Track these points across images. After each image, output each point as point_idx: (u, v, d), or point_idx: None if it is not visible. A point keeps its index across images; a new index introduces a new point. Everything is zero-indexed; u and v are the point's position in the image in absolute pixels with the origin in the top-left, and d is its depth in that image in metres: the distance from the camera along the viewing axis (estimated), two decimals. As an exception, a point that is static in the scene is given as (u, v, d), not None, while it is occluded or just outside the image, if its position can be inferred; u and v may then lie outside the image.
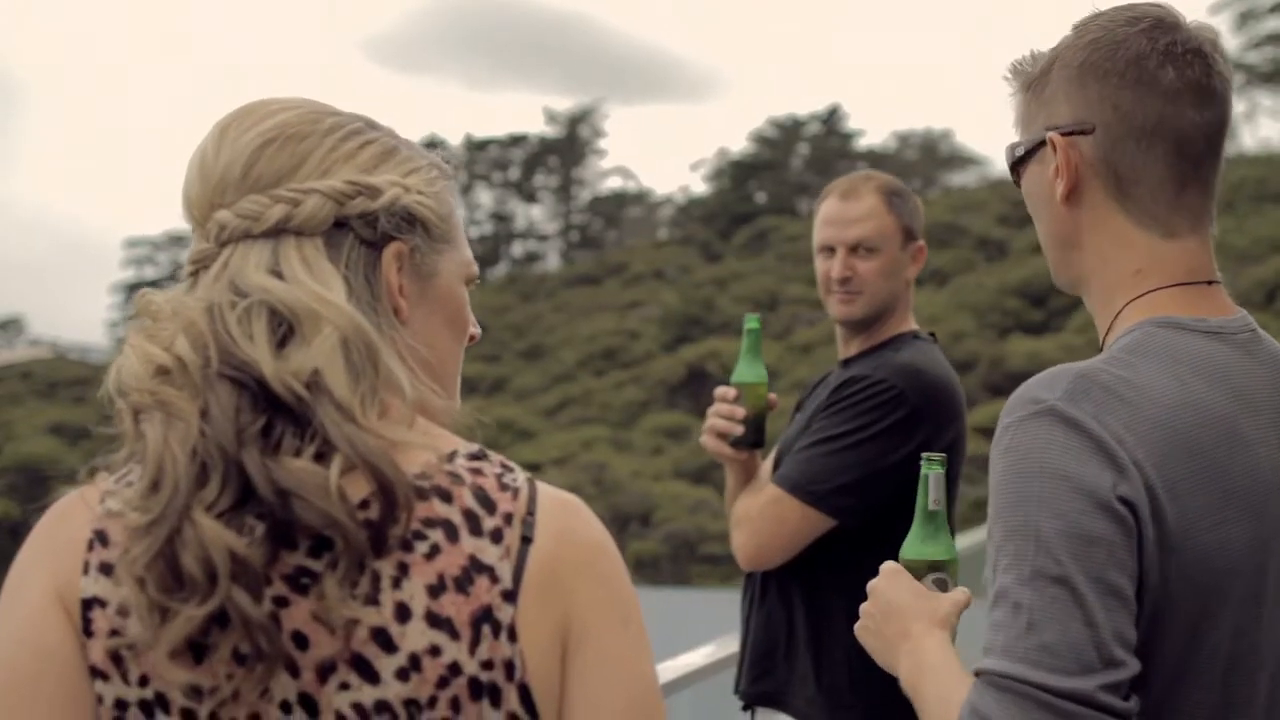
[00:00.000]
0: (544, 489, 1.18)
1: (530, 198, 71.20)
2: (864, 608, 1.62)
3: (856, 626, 1.62)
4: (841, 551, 2.80)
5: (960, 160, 61.40)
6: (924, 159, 61.57)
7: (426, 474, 1.13)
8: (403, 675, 1.10)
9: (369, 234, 1.20)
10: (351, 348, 1.14)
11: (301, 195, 1.18)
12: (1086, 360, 1.47)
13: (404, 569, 1.11)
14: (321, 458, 1.10)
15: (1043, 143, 1.53)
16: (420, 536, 1.12)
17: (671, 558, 35.62)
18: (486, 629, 1.11)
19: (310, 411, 1.11)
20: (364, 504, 1.10)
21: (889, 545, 1.75)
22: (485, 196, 71.13)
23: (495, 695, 1.12)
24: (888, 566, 1.64)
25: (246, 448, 1.09)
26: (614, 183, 70.92)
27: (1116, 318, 1.52)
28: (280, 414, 1.11)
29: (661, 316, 48.47)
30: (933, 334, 3.00)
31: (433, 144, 1.36)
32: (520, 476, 1.18)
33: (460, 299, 1.29)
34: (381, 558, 1.10)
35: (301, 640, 1.10)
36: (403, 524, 1.10)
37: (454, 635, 1.11)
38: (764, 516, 2.81)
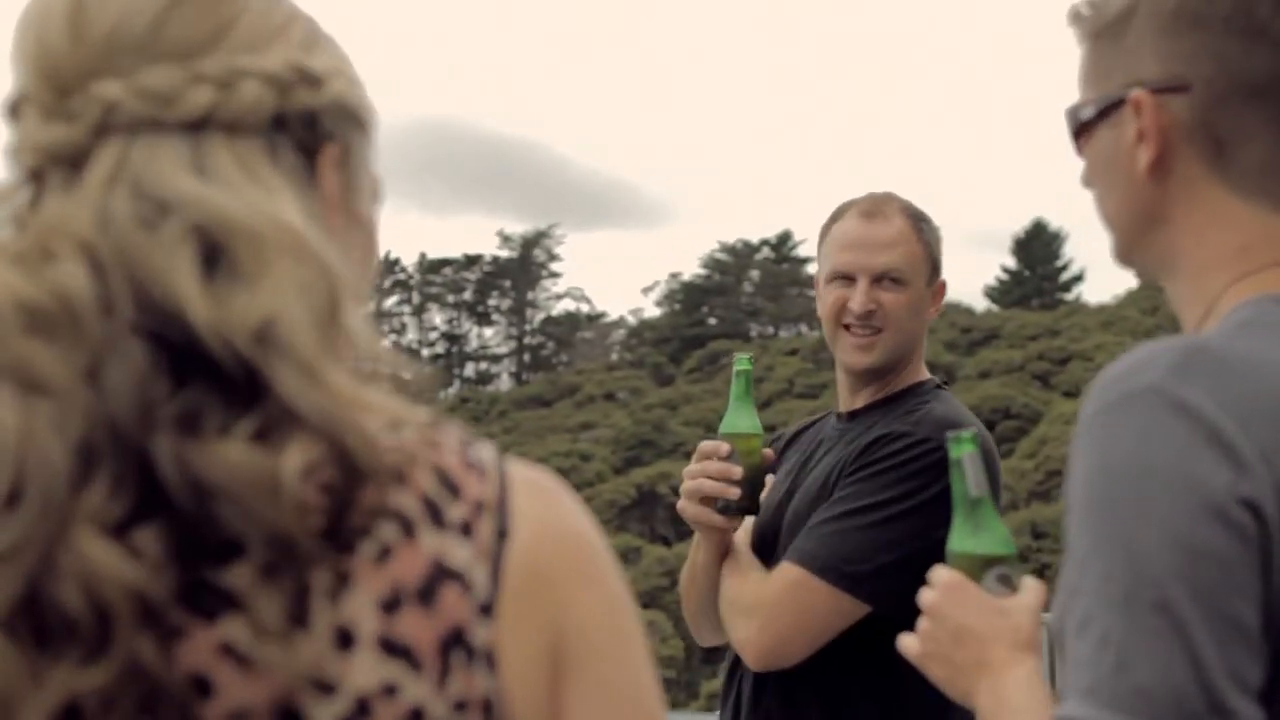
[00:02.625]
0: (514, 466, 0.89)
1: (483, 319, 71.34)
2: (925, 630, 1.42)
3: (917, 653, 1.42)
4: (869, 642, 2.18)
5: (909, 287, 62.01)
6: (874, 285, 62.15)
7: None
8: None
9: (306, 137, 0.89)
10: (313, 289, 0.82)
11: (233, 75, 0.85)
12: (1186, 335, 1.19)
13: (343, 579, 0.79)
14: (263, 438, 0.78)
15: (1119, 102, 1.28)
16: (365, 533, 0.80)
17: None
18: (457, 656, 0.82)
19: (259, 376, 0.78)
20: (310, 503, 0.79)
21: None
22: (438, 317, 71.27)
23: None
24: (943, 577, 1.41)
25: (157, 431, 0.77)
26: (567, 305, 71.27)
27: (1217, 301, 1.25)
28: (204, 379, 0.79)
29: (613, 438, 48.39)
30: (946, 382, 2.54)
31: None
32: (485, 451, 0.88)
33: (376, 221, 0.99)
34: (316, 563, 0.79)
35: (203, 686, 0.77)
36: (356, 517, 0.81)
37: (415, 667, 0.80)
38: (783, 604, 2.23)
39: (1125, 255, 1.35)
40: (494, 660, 0.83)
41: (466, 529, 0.84)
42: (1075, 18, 1.34)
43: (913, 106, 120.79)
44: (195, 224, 0.81)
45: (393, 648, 0.80)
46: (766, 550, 2.40)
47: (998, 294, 59.31)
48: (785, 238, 65.09)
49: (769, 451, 2.34)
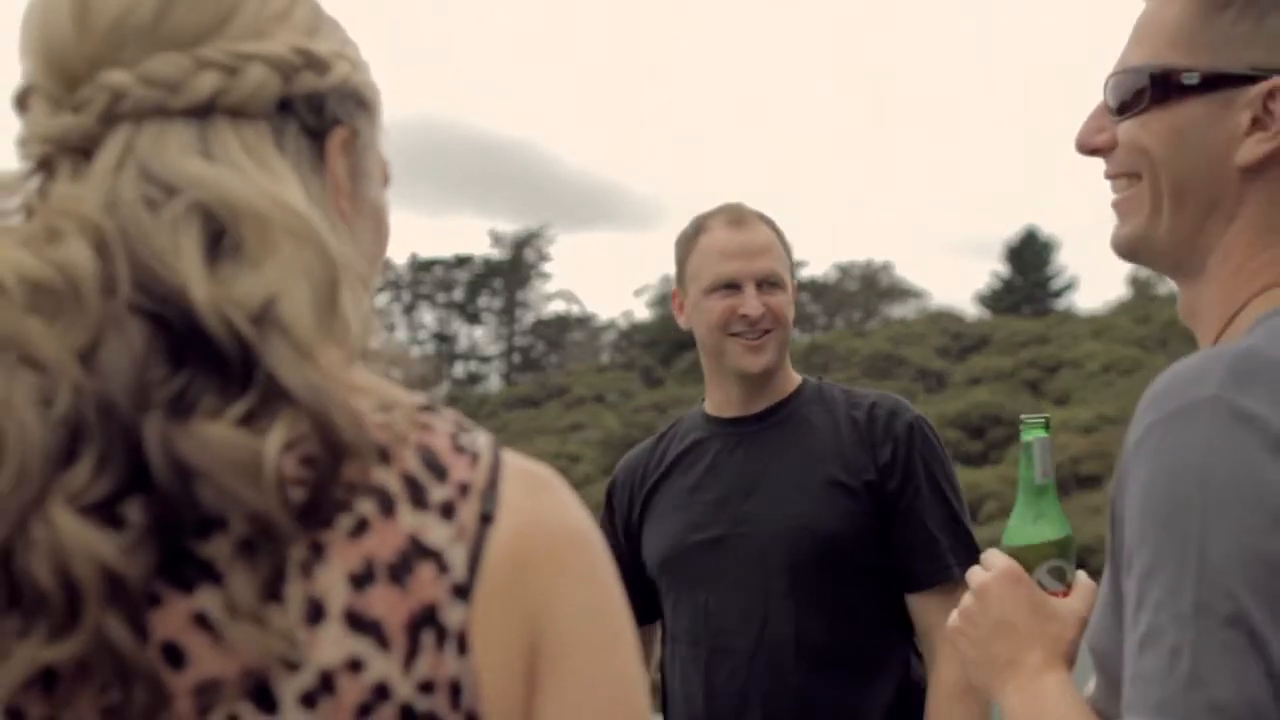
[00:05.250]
0: (510, 456, 0.89)
1: (474, 319, 71.29)
2: (967, 609, 1.37)
3: (950, 627, 1.38)
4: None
5: (900, 292, 62.14)
6: (864, 290, 62.25)
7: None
8: (308, 701, 0.80)
9: (313, 121, 0.90)
10: (315, 270, 0.83)
11: (240, 61, 0.87)
12: (1234, 343, 1.16)
13: (318, 551, 0.80)
14: (252, 420, 0.79)
15: (1242, 80, 1.20)
16: (344, 508, 0.81)
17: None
18: (427, 636, 0.82)
19: (255, 355, 0.79)
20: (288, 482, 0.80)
21: None
22: (428, 316, 71.20)
23: None
24: (1002, 564, 1.37)
25: (151, 411, 0.78)
26: (558, 306, 71.17)
27: (1242, 309, 1.22)
28: (204, 360, 0.80)
29: (602, 440, 48.35)
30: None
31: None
32: (481, 439, 0.89)
33: (386, 205, 1.00)
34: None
35: (175, 654, 0.79)
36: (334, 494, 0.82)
37: (383, 643, 0.81)
38: None
39: (1154, 242, 1.27)
40: (466, 643, 0.82)
41: (448, 510, 0.84)
42: None
43: (906, 111, 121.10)
44: (201, 205, 0.82)
45: (360, 622, 0.80)
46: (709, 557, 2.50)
47: (989, 300, 59.43)
48: (777, 242, 65.13)
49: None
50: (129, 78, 0.85)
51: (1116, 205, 1.30)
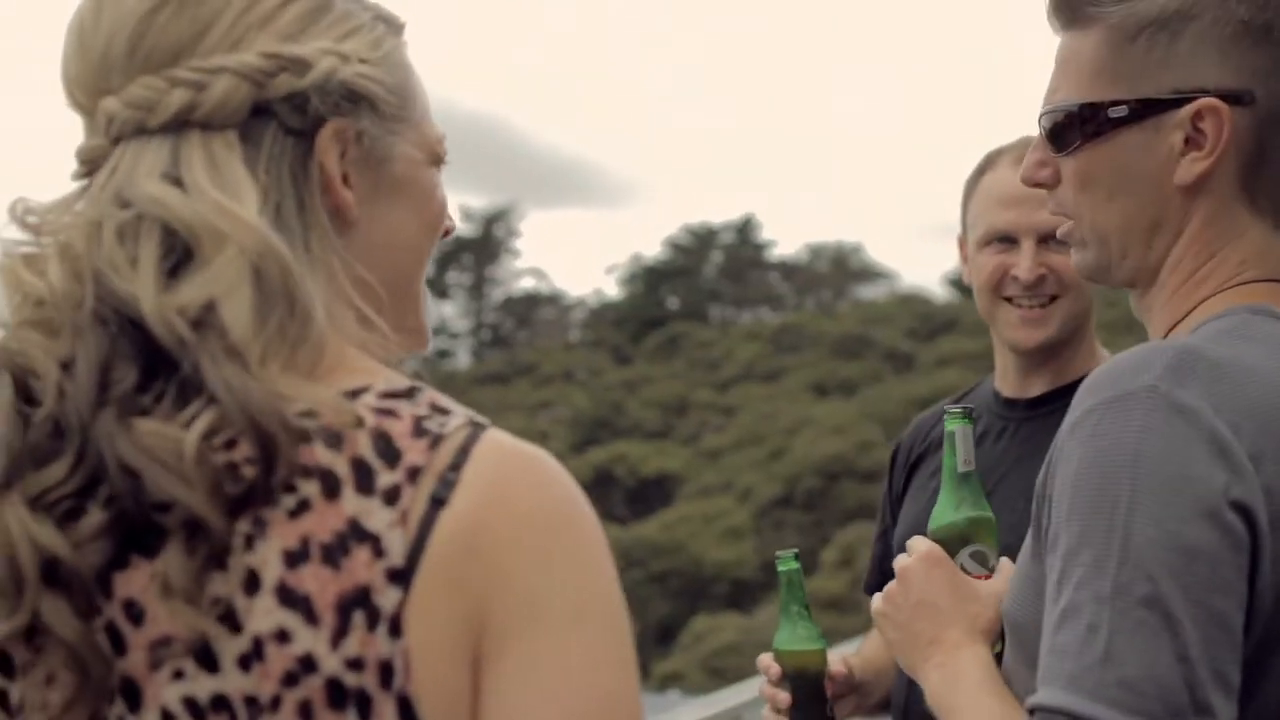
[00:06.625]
0: (493, 439, 0.90)
1: (442, 295, 71.13)
2: (891, 591, 1.41)
3: (876, 609, 1.42)
4: None
5: (870, 274, 62.25)
6: (835, 271, 62.36)
7: (314, 411, 0.88)
8: (244, 663, 0.86)
9: (296, 121, 0.95)
10: (263, 275, 0.89)
11: (207, 76, 0.93)
12: (1178, 338, 1.20)
13: (260, 525, 0.86)
14: (188, 419, 0.87)
15: (1170, 105, 1.22)
16: (288, 488, 0.87)
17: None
18: (358, 616, 0.85)
19: (192, 356, 0.87)
20: (233, 468, 0.87)
21: None
22: (398, 292, 70.81)
23: (364, 705, 0.85)
24: (923, 547, 1.42)
25: (103, 411, 0.87)
26: (527, 284, 71.09)
27: (1195, 308, 1.25)
28: (166, 366, 0.88)
29: (571, 418, 48.37)
30: None
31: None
32: (455, 421, 0.90)
33: (429, 184, 1.04)
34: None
35: (135, 611, 0.88)
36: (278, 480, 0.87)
37: (311, 619, 0.85)
38: None
39: (1111, 270, 1.29)
40: (400, 627, 0.85)
41: (392, 495, 0.86)
42: (1075, 10, 1.27)
43: (880, 91, 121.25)
44: (158, 222, 0.91)
45: (290, 597, 0.85)
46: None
47: (958, 283, 59.52)
48: (747, 221, 65.25)
49: (836, 664, 1.92)
50: (117, 103, 0.94)
51: (1066, 236, 1.33)
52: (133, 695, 0.87)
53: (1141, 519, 1.06)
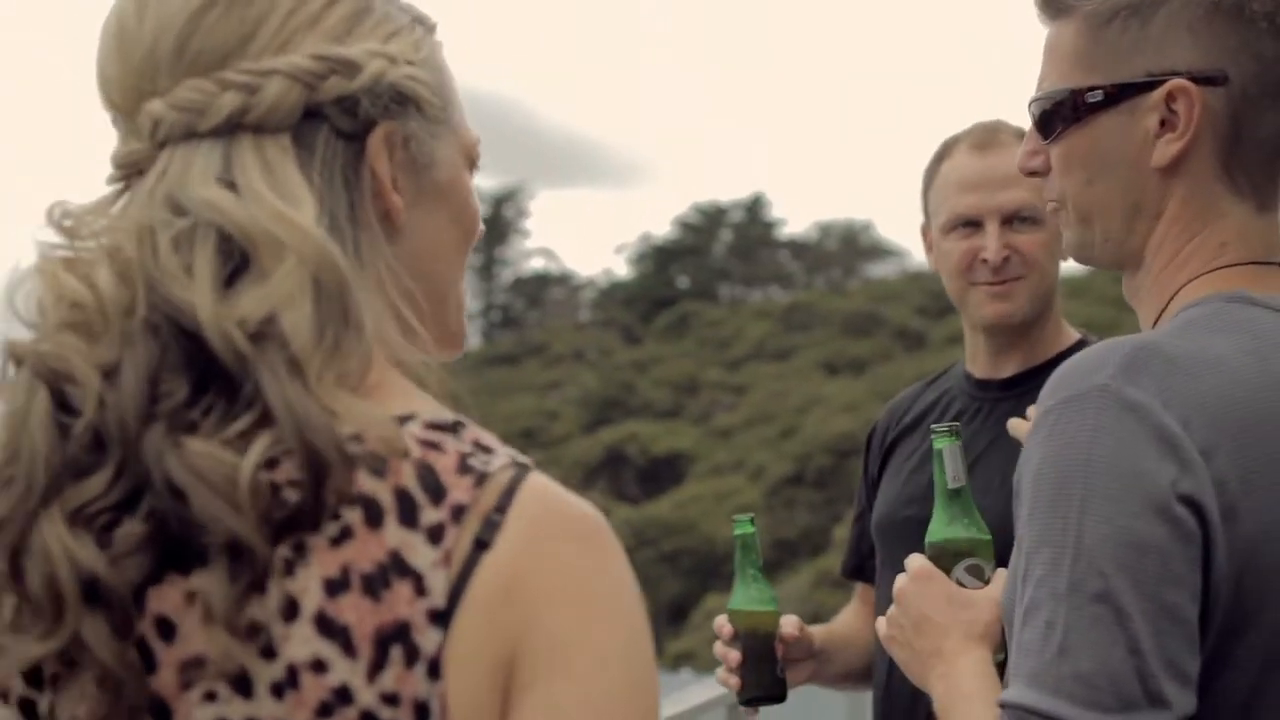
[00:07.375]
0: (537, 484, 0.88)
1: (453, 276, 71.04)
2: (892, 614, 1.45)
3: (883, 635, 1.46)
4: None
5: (880, 251, 62.16)
6: (844, 249, 62.29)
7: (359, 436, 0.85)
8: (277, 691, 0.84)
9: (347, 124, 0.93)
10: (322, 287, 0.87)
11: (259, 78, 0.91)
12: (1144, 332, 1.24)
13: (300, 551, 0.84)
14: (243, 437, 0.84)
15: (1143, 88, 1.24)
16: (333, 515, 0.85)
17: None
18: (396, 651, 0.84)
19: (251, 370, 0.84)
20: (277, 491, 0.84)
21: None
22: (408, 273, 70.88)
23: None
24: (916, 565, 1.46)
25: (153, 425, 0.84)
26: (537, 264, 71.02)
27: (1178, 293, 1.27)
28: (218, 379, 0.85)
29: (581, 398, 48.42)
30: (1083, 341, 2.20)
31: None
32: (499, 461, 0.88)
33: (466, 188, 1.02)
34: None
35: (167, 628, 0.85)
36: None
37: (349, 650, 0.84)
38: None
39: (1094, 250, 1.32)
40: (439, 669, 0.84)
41: (437, 533, 0.85)
42: (1057, 1, 1.29)
43: (891, 70, 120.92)
44: (215, 229, 0.87)
45: (329, 626, 0.84)
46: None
47: (968, 260, 59.35)
48: (757, 199, 65.18)
49: (788, 627, 2.01)
50: (163, 106, 0.91)
51: (1056, 219, 1.37)
52: (163, 716, 0.86)
53: (1094, 517, 1.10)
